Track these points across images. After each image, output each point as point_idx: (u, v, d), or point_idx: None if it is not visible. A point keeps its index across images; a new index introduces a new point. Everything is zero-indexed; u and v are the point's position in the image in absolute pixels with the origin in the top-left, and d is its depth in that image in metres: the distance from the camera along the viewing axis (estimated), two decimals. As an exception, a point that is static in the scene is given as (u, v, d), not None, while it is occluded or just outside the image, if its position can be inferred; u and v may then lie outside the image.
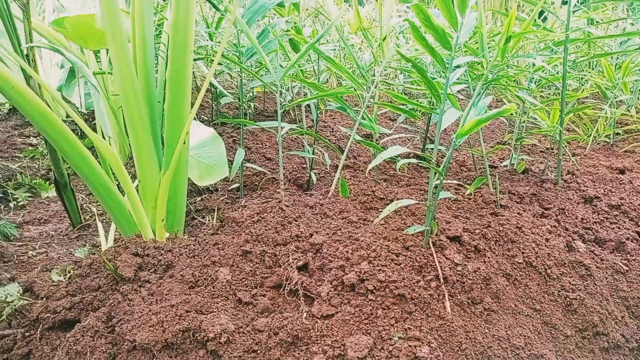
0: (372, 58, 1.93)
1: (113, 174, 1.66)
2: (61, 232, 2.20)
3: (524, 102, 2.27)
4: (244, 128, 2.48)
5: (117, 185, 1.63)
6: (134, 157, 1.56)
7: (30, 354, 1.38)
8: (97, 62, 2.69)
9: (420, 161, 1.46)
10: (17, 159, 2.98)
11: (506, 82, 1.89)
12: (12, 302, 1.47)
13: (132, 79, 1.49)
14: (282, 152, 1.74)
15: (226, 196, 2.00)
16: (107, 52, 2.40)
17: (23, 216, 2.36)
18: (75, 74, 3.12)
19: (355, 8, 1.78)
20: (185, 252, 1.50)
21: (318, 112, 1.93)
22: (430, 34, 1.40)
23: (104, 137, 1.47)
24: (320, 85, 1.85)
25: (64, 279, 1.61)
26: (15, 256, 1.99)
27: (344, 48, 3.00)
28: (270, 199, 1.75)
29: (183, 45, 1.50)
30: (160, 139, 1.63)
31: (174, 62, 1.50)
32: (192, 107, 1.56)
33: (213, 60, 1.89)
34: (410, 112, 1.88)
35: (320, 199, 1.73)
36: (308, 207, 1.67)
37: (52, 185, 2.58)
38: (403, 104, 1.83)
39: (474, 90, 1.89)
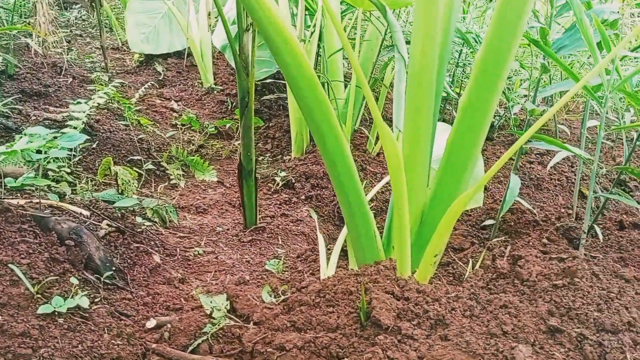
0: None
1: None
2: (228, 230, 1.85)
3: None
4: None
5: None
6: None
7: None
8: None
9: None
10: (158, 124, 2.63)
11: None
12: (217, 319, 1.09)
13: (433, 57, 1.12)
14: (594, 194, 1.28)
15: (470, 233, 1.56)
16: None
17: (176, 199, 2.03)
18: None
19: None
20: (459, 307, 1.07)
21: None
22: None
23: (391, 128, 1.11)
24: None
25: (276, 300, 1.22)
26: (178, 250, 1.66)
27: None
28: (561, 254, 1.28)
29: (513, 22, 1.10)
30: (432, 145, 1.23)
31: (494, 40, 1.11)
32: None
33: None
34: None
35: (634, 272, 1.24)
36: (623, 280, 1.20)
37: (210, 165, 2.24)
38: None
39: None
